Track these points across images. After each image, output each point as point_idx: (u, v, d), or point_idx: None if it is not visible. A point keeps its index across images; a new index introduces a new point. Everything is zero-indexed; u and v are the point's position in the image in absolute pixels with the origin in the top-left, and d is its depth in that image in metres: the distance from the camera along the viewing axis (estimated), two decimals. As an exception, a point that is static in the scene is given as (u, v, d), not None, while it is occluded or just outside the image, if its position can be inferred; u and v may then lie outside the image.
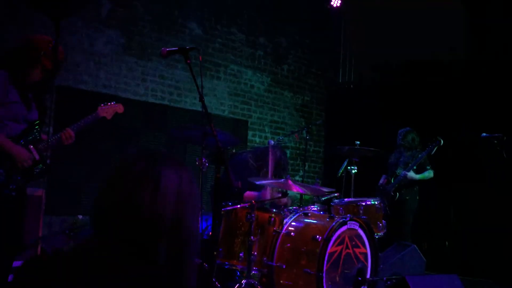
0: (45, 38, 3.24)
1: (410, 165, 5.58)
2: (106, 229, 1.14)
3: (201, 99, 2.75)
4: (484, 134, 4.69)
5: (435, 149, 5.43)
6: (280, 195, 4.19)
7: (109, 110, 3.60)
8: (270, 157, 4.33)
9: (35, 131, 3.21)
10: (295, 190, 3.63)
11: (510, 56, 6.12)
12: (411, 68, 6.99)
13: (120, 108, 3.70)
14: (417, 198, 5.72)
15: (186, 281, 1.17)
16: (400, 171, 5.63)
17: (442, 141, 5.41)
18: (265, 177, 4.32)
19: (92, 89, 5.64)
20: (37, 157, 3.17)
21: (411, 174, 5.55)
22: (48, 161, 3.24)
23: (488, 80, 6.26)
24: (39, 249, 3.52)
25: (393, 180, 5.64)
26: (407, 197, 5.62)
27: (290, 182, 3.63)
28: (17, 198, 3.07)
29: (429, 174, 5.65)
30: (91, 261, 1.08)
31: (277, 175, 4.42)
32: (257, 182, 3.94)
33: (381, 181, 5.79)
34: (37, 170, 3.19)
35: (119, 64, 5.88)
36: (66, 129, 3.35)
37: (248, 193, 4.29)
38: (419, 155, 5.51)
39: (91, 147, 5.41)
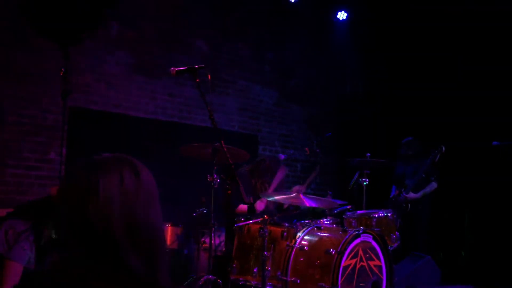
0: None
1: (414, 178, 5.49)
2: (72, 243, 1.16)
3: (211, 117, 2.78)
4: (495, 142, 4.67)
5: (438, 157, 5.34)
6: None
7: None
8: (279, 174, 4.35)
9: None
10: (308, 204, 3.63)
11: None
12: (418, 77, 6.98)
13: None
14: (430, 207, 5.66)
15: (162, 277, 1.17)
16: (409, 182, 5.58)
17: (444, 148, 5.31)
18: (262, 192, 4.34)
19: (103, 109, 5.71)
20: None
21: (411, 195, 5.48)
22: None
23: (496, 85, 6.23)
24: None
25: (404, 191, 5.60)
26: (419, 207, 5.57)
27: (301, 196, 3.64)
28: None
29: (431, 187, 5.57)
30: (64, 277, 1.08)
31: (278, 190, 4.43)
32: (269, 199, 3.95)
33: (393, 193, 5.75)
34: None
35: (129, 84, 5.95)
36: None
37: (241, 207, 4.27)
38: (423, 164, 5.43)
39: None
